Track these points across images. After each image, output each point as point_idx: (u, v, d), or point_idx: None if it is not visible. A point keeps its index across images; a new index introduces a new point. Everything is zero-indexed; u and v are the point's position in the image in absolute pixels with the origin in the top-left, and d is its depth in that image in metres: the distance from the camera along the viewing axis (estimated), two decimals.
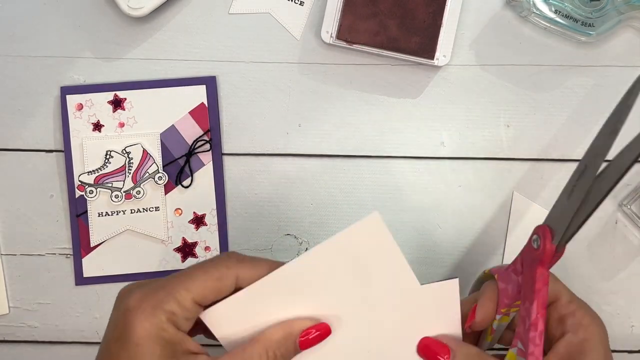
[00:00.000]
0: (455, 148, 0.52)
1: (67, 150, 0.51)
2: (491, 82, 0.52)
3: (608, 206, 0.52)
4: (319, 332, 0.37)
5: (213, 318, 0.37)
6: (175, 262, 0.52)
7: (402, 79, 0.52)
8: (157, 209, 0.51)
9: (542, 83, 0.52)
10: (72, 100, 0.51)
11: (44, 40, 0.52)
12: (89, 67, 0.52)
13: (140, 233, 0.51)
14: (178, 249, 0.52)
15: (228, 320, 0.37)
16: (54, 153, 0.52)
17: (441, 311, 0.39)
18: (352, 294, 0.38)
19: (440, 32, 0.49)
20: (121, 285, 0.52)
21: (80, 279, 0.52)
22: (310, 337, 0.37)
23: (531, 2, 0.49)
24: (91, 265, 0.52)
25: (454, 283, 0.38)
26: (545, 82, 0.52)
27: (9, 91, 0.52)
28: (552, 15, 0.49)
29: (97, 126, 0.51)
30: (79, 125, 0.51)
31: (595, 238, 0.52)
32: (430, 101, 0.52)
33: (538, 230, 0.37)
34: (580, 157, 0.53)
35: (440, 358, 0.38)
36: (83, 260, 0.52)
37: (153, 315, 0.34)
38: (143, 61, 0.52)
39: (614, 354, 0.52)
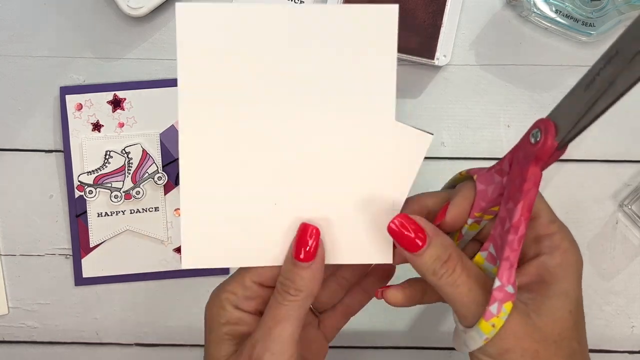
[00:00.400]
0: (455, 148, 0.52)
1: (66, 151, 0.51)
2: (491, 82, 0.52)
3: (609, 206, 0.52)
4: (313, 240, 0.35)
5: (185, 18, 0.34)
6: (175, 262, 0.52)
7: (402, 79, 0.52)
8: (156, 209, 0.51)
9: (542, 83, 0.52)
10: (72, 100, 0.51)
11: (44, 40, 0.51)
12: (89, 67, 0.51)
13: (140, 233, 0.51)
14: (178, 250, 0.52)
15: (204, 31, 0.34)
16: (54, 153, 0.52)
17: (403, 158, 0.35)
18: (317, 84, 0.35)
19: (441, 32, 0.49)
20: (120, 285, 0.52)
21: (80, 280, 0.52)
22: (306, 250, 0.35)
23: (531, 2, 0.49)
24: (91, 266, 0.51)
25: (428, 138, 0.35)
26: (545, 82, 0.52)
27: (9, 91, 0.52)
28: (552, 15, 0.49)
29: (97, 126, 0.51)
30: (78, 126, 0.51)
31: (596, 238, 0.52)
32: (430, 101, 0.52)
33: (540, 123, 0.32)
34: (581, 158, 0.53)
35: (417, 241, 0.33)
36: (82, 260, 0.51)
37: (217, 297, 0.36)
38: (143, 61, 0.52)
39: (614, 355, 0.52)
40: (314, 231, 0.35)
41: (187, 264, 0.36)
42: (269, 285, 0.36)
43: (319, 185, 0.35)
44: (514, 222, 0.32)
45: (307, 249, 0.34)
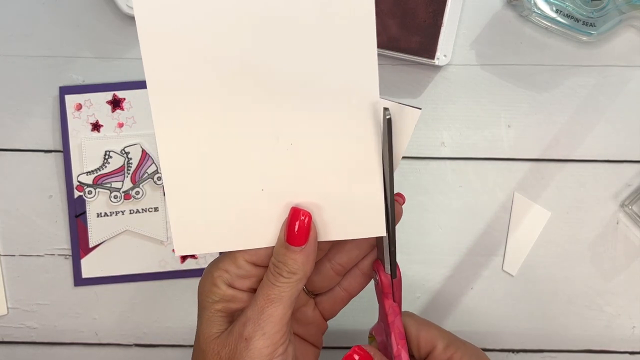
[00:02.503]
0: (455, 148, 0.52)
1: (65, 151, 0.51)
2: (492, 82, 0.52)
3: (609, 206, 0.52)
4: (305, 224, 0.35)
5: (142, 4, 0.32)
6: (174, 262, 0.51)
7: (403, 79, 0.52)
8: (156, 209, 0.51)
9: (543, 83, 0.51)
10: (71, 100, 0.51)
11: (43, 40, 0.51)
12: (88, 67, 0.51)
13: (139, 234, 0.51)
14: None
15: (165, 16, 0.32)
16: (53, 153, 0.52)
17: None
18: (295, 66, 0.33)
19: (441, 31, 0.49)
20: (120, 286, 0.52)
21: (79, 280, 0.52)
22: (297, 233, 0.35)
23: (532, 2, 0.49)
24: (90, 266, 0.51)
25: (417, 113, 0.35)
26: (546, 82, 0.51)
27: (8, 91, 0.51)
28: (553, 14, 0.49)
29: (96, 126, 0.51)
30: (77, 126, 0.51)
31: (597, 238, 0.52)
32: (430, 101, 0.52)
33: (373, 265, 0.38)
34: (581, 158, 0.53)
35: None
36: (82, 261, 0.51)
37: (209, 274, 0.36)
38: (142, 61, 0.51)
39: (615, 355, 0.52)
40: (305, 215, 0.35)
41: (180, 250, 0.36)
42: (262, 264, 0.36)
43: (305, 168, 0.35)
44: (395, 353, 0.36)
45: (299, 233, 0.35)
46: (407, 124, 0.35)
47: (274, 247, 0.36)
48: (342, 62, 0.34)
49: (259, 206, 0.35)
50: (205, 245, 0.36)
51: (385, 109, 0.33)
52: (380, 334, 0.39)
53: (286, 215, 0.36)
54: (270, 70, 0.34)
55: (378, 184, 0.35)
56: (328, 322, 0.42)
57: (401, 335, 0.36)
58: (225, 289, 0.36)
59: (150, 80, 0.33)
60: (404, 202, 0.39)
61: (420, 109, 0.35)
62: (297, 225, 0.35)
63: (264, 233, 0.36)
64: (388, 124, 0.33)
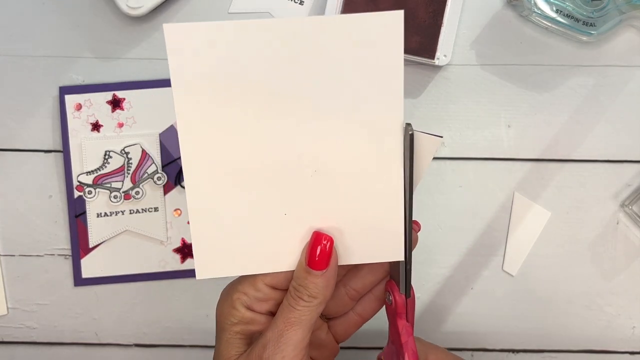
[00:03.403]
0: (455, 148, 0.52)
1: (65, 151, 0.51)
2: (492, 82, 0.52)
3: (609, 206, 0.52)
4: (326, 248, 0.36)
5: (174, 38, 0.33)
6: (174, 262, 0.51)
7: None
8: (156, 209, 0.51)
9: (543, 83, 0.51)
10: (71, 100, 0.51)
11: (43, 40, 0.51)
12: (88, 67, 0.51)
13: (139, 234, 0.51)
14: (177, 250, 0.51)
15: (195, 49, 0.33)
16: (53, 153, 0.52)
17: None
18: (322, 94, 0.34)
19: (441, 31, 0.49)
20: (120, 286, 0.52)
21: (79, 280, 0.52)
22: (319, 258, 0.35)
23: (532, 2, 0.49)
24: (90, 266, 0.51)
25: (437, 141, 0.36)
26: (546, 82, 0.51)
27: (8, 91, 0.51)
28: (553, 14, 0.49)
29: (96, 126, 0.51)
30: (77, 126, 0.51)
31: (597, 239, 0.52)
32: (430, 101, 0.52)
33: (387, 286, 0.39)
34: (581, 158, 0.53)
35: None
36: (82, 261, 0.51)
37: (228, 297, 0.37)
38: (142, 61, 0.51)
39: (615, 355, 0.52)
40: (327, 239, 0.36)
41: (201, 274, 0.36)
42: (281, 288, 0.37)
43: (328, 193, 0.36)
44: None
45: (320, 258, 0.35)
46: (428, 150, 0.36)
47: (293, 271, 0.36)
48: (368, 94, 0.34)
49: (280, 230, 0.36)
50: (226, 269, 0.36)
51: (408, 124, 0.35)
52: (390, 357, 0.39)
53: (307, 240, 0.36)
54: (298, 99, 0.34)
55: (400, 210, 0.36)
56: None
57: (414, 355, 0.37)
58: (244, 312, 0.36)
59: (179, 104, 0.34)
60: (419, 230, 0.40)
61: (441, 137, 0.36)
62: (319, 250, 0.35)
63: (284, 257, 0.36)
64: (410, 139, 0.35)
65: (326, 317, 0.41)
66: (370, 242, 0.36)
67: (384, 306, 0.40)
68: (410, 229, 0.37)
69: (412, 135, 0.35)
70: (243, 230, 0.36)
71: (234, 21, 0.33)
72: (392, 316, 0.38)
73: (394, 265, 0.38)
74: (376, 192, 0.36)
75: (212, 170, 0.35)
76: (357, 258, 0.37)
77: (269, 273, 0.36)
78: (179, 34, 0.33)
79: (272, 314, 0.37)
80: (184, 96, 0.34)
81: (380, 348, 0.52)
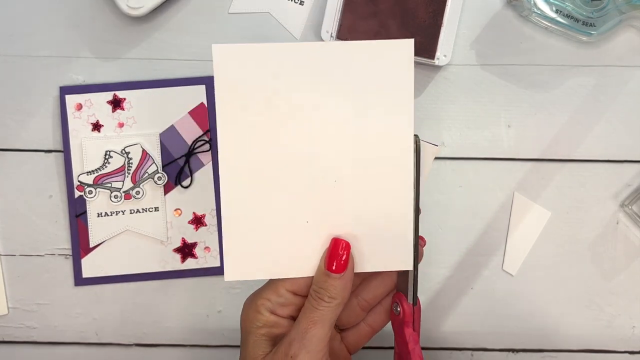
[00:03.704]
0: (455, 148, 0.52)
1: (66, 151, 0.51)
2: (492, 82, 0.52)
3: (609, 206, 0.52)
4: (343, 252, 0.39)
5: (220, 56, 0.37)
6: (174, 262, 0.51)
7: None
8: (156, 209, 0.51)
9: (543, 83, 0.51)
10: (72, 100, 0.51)
11: (44, 40, 0.51)
12: (88, 67, 0.51)
13: (140, 233, 0.51)
14: (177, 250, 0.51)
15: (237, 67, 0.37)
16: (53, 153, 0.52)
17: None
18: (341, 110, 0.38)
19: (441, 31, 0.49)
20: (120, 285, 0.52)
21: (80, 280, 0.52)
22: (339, 262, 0.38)
23: (532, 2, 0.49)
24: (90, 266, 0.51)
25: (435, 149, 0.40)
26: (546, 82, 0.51)
27: (8, 91, 0.52)
28: (553, 15, 0.49)
29: (97, 126, 0.51)
30: (78, 126, 0.51)
31: (597, 239, 0.52)
32: (430, 101, 0.52)
33: (395, 297, 0.41)
34: (581, 158, 0.53)
35: None
36: (82, 260, 0.51)
37: (251, 302, 0.40)
38: (142, 61, 0.51)
39: (615, 355, 0.52)
40: (345, 245, 0.39)
41: (229, 276, 0.39)
42: (301, 293, 0.40)
43: (345, 204, 0.39)
44: None
45: (339, 262, 0.38)
46: (429, 158, 0.40)
47: (312, 276, 0.39)
48: (383, 111, 0.38)
49: (302, 237, 0.39)
50: (252, 273, 0.39)
51: (415, 136, 0.39)
52: None
53: (325, 246, 0.39)
54: (323, 115, 0.38)
55: (410, 223, 0.39)
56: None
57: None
58: (268, 316, 0.39)
59: (221, 118, 0.38)
60: (424, 245, 0.43)
61: (437, 145, 0.40)
62: (338, 254, 0.39)
63: (305, 263, 0.39)
64: (417, 150, 0.39)
65: (339, 328, 0.44)
66: (382, 251, 0.40)
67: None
68: (417, 238, 0.40)
69: (418, 146, 0.39)
70: (269, 236, 0.39)
71: (274, 44, 0.37)
72: (399, 326, 0.41)
73: (401, 277, 0.41)
74: (388, 204, 0.39)
75: (245, 179, 0.38)
76: (370, 266, 0.40)
77: (290, 279, 0.39)
78: (226, 54, 0.37)
79: (293, 318, 0.40)
80: (226, 110, 0.38)
81: (377, 348, 0.53)
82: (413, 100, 0.39)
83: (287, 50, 0.37)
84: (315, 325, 0.38)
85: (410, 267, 0.40)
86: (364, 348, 0.52)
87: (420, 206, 0.52)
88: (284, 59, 0.37)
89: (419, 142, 0.39)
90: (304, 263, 0.39)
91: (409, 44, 0.38)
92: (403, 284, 0.41)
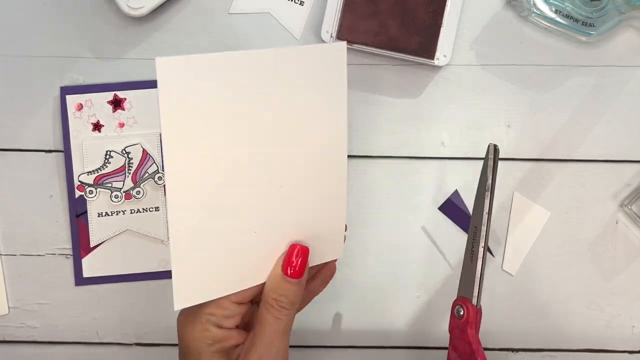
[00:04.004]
0: (455, 148, 0.52)
1: (66, 151, 0.51)
2: (492, 82, 0.52)
3: (609, 206, 0.52)
4: (300, 257, 0.39)
5: (164, 69, 0.34)
6: None
7: (402, 79, 0.52)
8: (157, 209, 0.51)
9: (542, 83, 0.52)
10: (72, 100, 0.51)
11: (44, 40, 0.51)
12: (89, 67, 0.51)
13: (140, 233, 0.51)
14: None
15: (181, 79, 0.35)
16: (54, 153, 0.52)
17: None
18: (280, 116, 0.37)
19: (441, 31, 0.49)
20: (121, 285, 0.52)
21: (80, 279, 0.52)
22: (297, 267, 0.38)
23: (531, 2, 0.49)
24: (91, 266, 0.51)
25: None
26: (545, 82, 0.52)
27: (9, 91, 0.52)
28: (552, 15, 0.49)
29: (97, 126, 0.51)
30: (78, 126, 0.51)
31: (596, 238, 0.52)
32: (430, 101, 0.52)
33: (458, 302, 0.43)
34: (581, 158, 0.53)
35: None
36: (83, 260, 0.51)
37: (194, 320, 0.38)
38: (143, 61, 0.52)
39: (614, 355, 0.52)
40: (303, 249, 0.39)
41: (180, 304, 0.37)
42: (245, 302, 0.39)
43: (290, 208, 0.39)
44: None
45: (299, 267, 0.38)
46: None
47: (260, 284, 0.39)
48: (320, 118, 0.39)
49: (250, 248, 0.38)
50: (204, 296, 0.37)
51: (494, 145, 0.42)
52: None
53: (274, 253, 0.39)
54: (265, 124, 0.37)
55: (343, 218, 0.41)
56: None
57: (484, 359, 0.42)
58: (216, 331, 0.38)
59: (166, 133, 0.35)
60: (346, 230, 0.43)
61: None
62: (297, 261, 0.38)
63: (254, 272, 0.39)
64: (494, 158, 0.42)
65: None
66: (324, 246, 0.41)
67: (449, 321, 0.44)
68: (488, 227, 0.43)
69: (497, 153, 0.42)
70: (218, 255, 0.37)
71: (218, 54, 0.35)
72: (462, 327, 0.43)
73: (466, 280, 0.43)
74: (326, 204, 0.40)
75: (193, 197, 0.36)
76: (314, 260, 0.41)
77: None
78: (170, 66, 0.34)
79: (239, 327, 0.39)
80: (171, 124, 0.35)
81: (376, 347, 0.53)
82: (346, 101, 0.39)
83: (229, 60, 0.36)
84: (281, 336, 0.38)
85: (341, 255, 0.42)
86: (362, 347, 0.53)
87: (420, 206, 0.52)
88: (226, 69, 0.36)
89: (498, 149, 0.42)
90: (253, 273, 0.39)
91: (341, 47, 0.38)
92: (467, 287, 0.43)
